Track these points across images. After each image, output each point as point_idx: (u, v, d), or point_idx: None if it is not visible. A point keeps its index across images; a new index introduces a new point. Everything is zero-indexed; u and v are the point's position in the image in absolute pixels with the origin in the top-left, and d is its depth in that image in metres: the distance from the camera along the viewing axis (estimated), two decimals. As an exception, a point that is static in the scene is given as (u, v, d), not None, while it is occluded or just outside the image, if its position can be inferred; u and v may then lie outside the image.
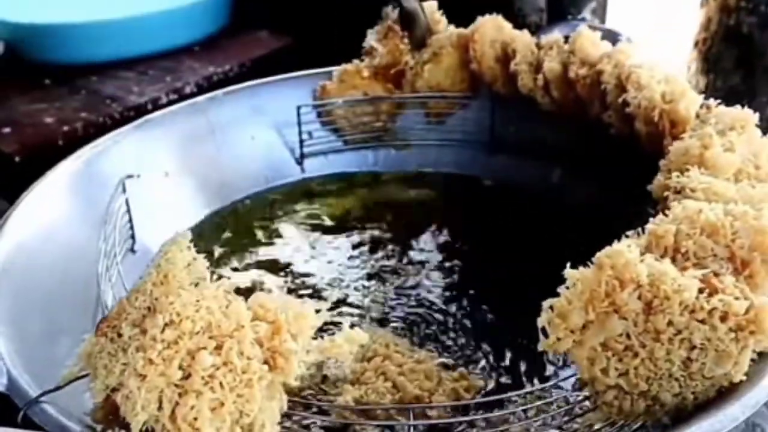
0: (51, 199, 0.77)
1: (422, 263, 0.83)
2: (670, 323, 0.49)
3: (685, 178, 0.61)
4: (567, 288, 0.52)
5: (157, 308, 0.49)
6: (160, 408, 0.47)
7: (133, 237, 0.83)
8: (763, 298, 0.50)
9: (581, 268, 0.52)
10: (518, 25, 0.96)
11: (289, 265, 0.84)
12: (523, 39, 0.89)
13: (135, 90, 1.13)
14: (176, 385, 0.47)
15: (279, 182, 0.98)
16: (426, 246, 0.86)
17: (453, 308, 0.76)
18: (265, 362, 0.50)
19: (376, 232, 0.89)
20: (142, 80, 1.16)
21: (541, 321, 0.52)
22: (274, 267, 0.84)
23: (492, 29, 0.91)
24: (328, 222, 0.92)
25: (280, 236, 0.90)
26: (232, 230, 0.90)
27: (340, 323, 0.72)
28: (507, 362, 0.69)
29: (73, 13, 1.23)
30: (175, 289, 0.50)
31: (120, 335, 0.49)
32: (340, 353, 0.53)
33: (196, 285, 0.51)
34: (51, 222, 0.76)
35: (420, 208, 0.94)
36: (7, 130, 1.02)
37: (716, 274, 0.52)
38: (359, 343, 0.54)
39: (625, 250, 0.51)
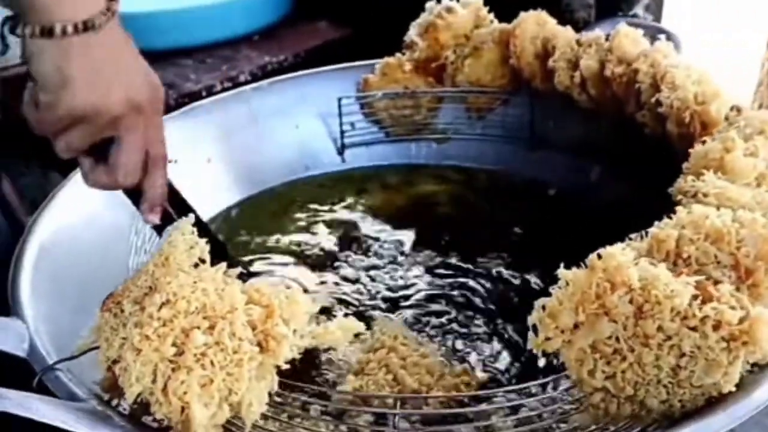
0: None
1: (461, 257, 0.84)
2: (660, 329, 0.49)
3: (700, 182, 0.60)
4: (559, 288, 0.52)
5: (156, 288, 0.52)
6: (154, 381, 0.50)
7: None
8: (760, 309, 0.49)
9: (574, 269, 0.51)
10: (565, 21, 0.95)
11: (318, 253, 0.86)
12: (564, 35, 0.88)
13: (192, 78, 1.17)
14: (170, 361, 0.50)
15: (319, 171, 1.00)
16: (460, 240, 0.86)
17: (479, 302, 0.77)
18: (258, 344, 0.52)
19: (410, 226, 0.90)
20: (200, 68, 1.20)
21: (532, 319, 0.52)
22: (304, 254, 0.86)
23: (534, 25, 0.90)
24: (364, 213, 0.93)
25: (316, 224, 0.91)
26: (268, 216, 0.93)
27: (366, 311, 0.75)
28: (512, 360, 0.69)
29: (140, 3, 1.28)
30: (174, 271, 0.52)
31: (122, 311, 0.52)
32: (333, 340, 0.55)
33: (196, 267, 0.53)
34: (94, 205, 0.79)
35: (457, 203, 0.94)
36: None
37: (716, 282, 0.51)
38: (353, 331, 0.55)
39: (618, 252, 0.51)
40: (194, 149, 0.92)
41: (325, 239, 0.89)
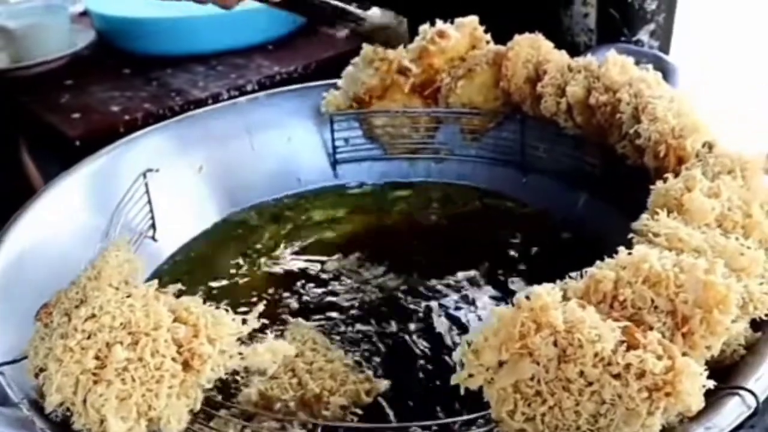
0: (78, 186, 0.83)
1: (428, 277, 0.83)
2: (581, 374, 0.47)
3: (653, 221, 0.58)
4: (486, 324, 0.51)
5: (85, 301, 0.52)
6: (75, 392, 0.50)
7: (153, 227, 0.88)
8: (686, 360, 0.47)
9: (502, 306, 0.50)
10: (566, 44, 0.93)
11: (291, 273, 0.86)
12: (557, 60, 0.86)
13: (200, 85, 1.19)
14: (93, 374, 0.50)
15: (311, 186, 1.00)
16: (436, 260, 0.85)
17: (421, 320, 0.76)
18: (184, 362, 0.52)
19: (392, 244, 0.89)
20: (210, 75, 1.22)
21: (457, 355, 0.51)
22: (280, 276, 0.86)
23: (528, 48, 0.89)
24: (345, 229, 0.93)
25: (297, 240, 0.91)
26: (252, 230, 0.93)
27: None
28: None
29: (159, 10, 1.30)
30: (104, 285, 0.53)
31: (52, 322, 0.53)
32: (261, 362, 0.55)
33: (127, 284, 0.54)
34: (74, 208, 0.81)
35: (441, 222, 0.93)
36: (76, 115, 1.11)
37: (650, 327, 0.50)
38: (282, 354, 0.55)
39: (545, 292, 0.49)
40: (186, 158, 0.93)
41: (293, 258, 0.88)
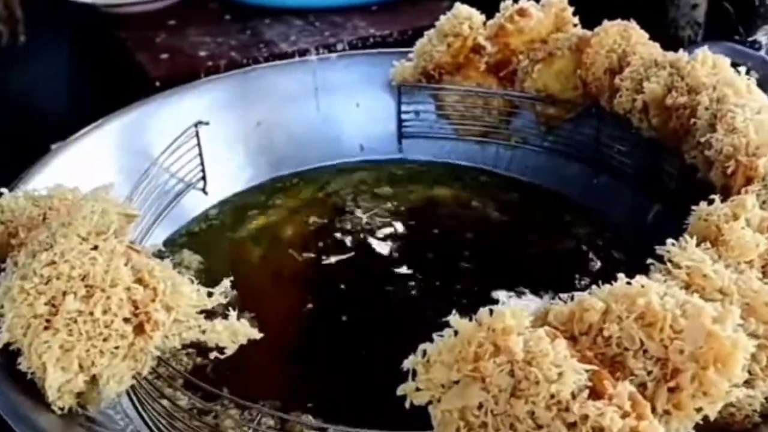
0: (130, 126, 0.83)
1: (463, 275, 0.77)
2: (532, 414, 0.41)
3: (678, 249, 0.50)
4: (445, 336, 0.45)
5: (52, 246, 0.51)
6: (25, 334, 0.50)
7: (204, 179, 0.87)
8: (654, 426, 0.39)
9: (465, 320, 0.45)
10: (666, 38, 0.83)
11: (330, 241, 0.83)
12: (645, 53, 0.77)
13: (291, 38, 1.17)
14: (47, 320, 0.50)
15: (372, 156, 0.96)
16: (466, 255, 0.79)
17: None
18: (139, 325, 0.50)
19: (441, 231, 0.84)
20: (304, 30, 1.20)
21: (408, 363, 0.46)
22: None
23: (616, 36, 0.79)
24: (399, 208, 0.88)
25: (345, 212, 0.88)
26: (305, 192, 0.90)
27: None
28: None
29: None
30: (72, 234, 0.51)
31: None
32: (217, 339, 0.52)
33: (98, 235, 0.52)
34: (122, 147, 0.81)
35: (498, 217, 0.86)
36: (164, 56, 1.12)
37: (631, 374, 0.43)
38: (243, 336, 0.52)
39: (509, 313, 0.43)
40: (246, 111, 0.91)
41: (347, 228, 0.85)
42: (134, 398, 0.57)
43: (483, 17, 0.89)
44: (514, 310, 0.44)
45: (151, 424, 0.57)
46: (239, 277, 0.74)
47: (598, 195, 0.85)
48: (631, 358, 0.43)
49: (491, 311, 0.44)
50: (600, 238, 0.80)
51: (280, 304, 0.75)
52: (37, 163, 0.72)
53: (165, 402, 0.55)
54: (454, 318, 0.45)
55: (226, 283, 0.53)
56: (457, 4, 0.89)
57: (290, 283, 0.77)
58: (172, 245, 0.82)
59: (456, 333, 0.45)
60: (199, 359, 0.64)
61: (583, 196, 0.87)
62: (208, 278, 0.75)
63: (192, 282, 0.52)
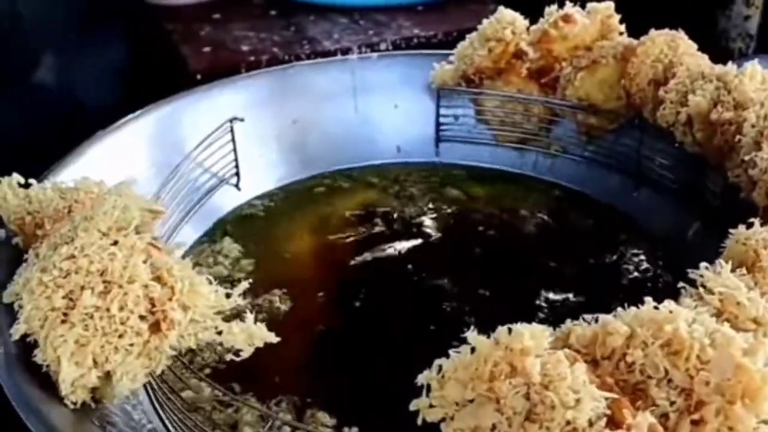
0: (165, 119, 0.83)
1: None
2: (545, 440, 0.40)
3: (712, 273, 0.48)
4: (462, 353, 0.44)
5: (73, 240, 0.51)
6: (42, 326, 0.50)
7: (237, 175, 0.86)
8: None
9: (483, 337, 0.43)
10: (717, 49, 0.80)
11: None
12: (692, 64, 0.74)
13: (334, 36, 1.16)
14: (64, 314, 0.49)
15: (409, 159, 0.94)
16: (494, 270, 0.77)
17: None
18: (155, 323, 0.50)
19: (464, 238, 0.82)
20: (348, 29, 1.19)
21: (422, 378, 0.44)
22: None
23: (663, 45, 0.77)
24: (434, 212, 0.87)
25: (380, 213, 0.87)
26: (336, 192, 0.90)
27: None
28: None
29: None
30: (93, 228, 0.51)
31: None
32: (233, 341, 0.51)
33: (119, 230, 0.52)
34: (155, 140, 0.81)
35: (533, 224, 0.84)
36: (207, 49, 1.12)
37: (653, 404, 0.41)
38: (259, 339, 0.51)
39: (528, 333, 0.42)
40: (282, 108, 0.91)
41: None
42: (151, 393, 0.57)
43: (526, 22, 0.87)
44: (534, 331, 0.42)
45: (165, 418, 0.57)
46: (277, 268, 0.77)
47: (638, 209, 0.83)
48: (654, 386, 0.41)
49: (510, 330, 0.42)
50: (636, 253, 0.78)
51: (314, 298, 0.74)
52: (70, 154, 0.72)
53: (184, 394, 0.55)
54: (471, 334, 0.44)
55: (245, 284, 0.52)
56: (501, 8, 0.87)
57: (326, 279, 0.77)
58: (212, 235, 0.82)
59: (473, 350, 0.43)
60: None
61: (622, 208, 0.84)
62: (244, 268, 0.78)
63: (210, 282, 0.52)
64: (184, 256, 0.77)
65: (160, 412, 0.57)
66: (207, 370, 0.64)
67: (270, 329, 0.51)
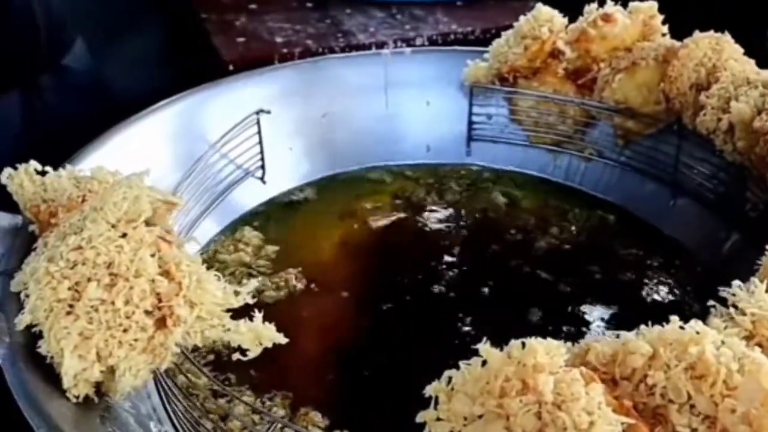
0: (191, 109, 0.82)
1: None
2: (555, 464, 0.37)
3: (744, 292, 0.45)
4: (472, 365, 0.42)
5: (81, 230, 0.50)
6: (47, 317, 0.49)
7: (263, 167, 0.85)
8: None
9: (496, 350, 0.41)
10: (765, 54, 0.77)
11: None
12: (737, 69, 0.71)
13: (370, 30, 1.14)
14: (69, 305, 0.48)
15: (439, 159, 0.92)
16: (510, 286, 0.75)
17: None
18: (161, 319, 0.49)
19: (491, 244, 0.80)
20: (384, 23, 1.17)
21: (430, 389, 0.42)
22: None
23: (707, 49, 0.74)
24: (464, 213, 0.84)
25: (409, 210, 0.85)
26: (363, 188, 0.88)
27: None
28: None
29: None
30: (101, 219, 0.50)
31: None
32: (241, 340, 0.50)
33: (128, 222, 0.51)
34: (181, 129, 0.80)
35: (565, 229, 0.82)
36: (240, 39, 1.11)
37: (673, 430, 0.38)
38: (266, 339, 0.50)
39: (543, 348, 0.39)
40: (311, 102, 0.89)
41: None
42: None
43: (565, 20, 0.84)
44: (549, 346, 0.40)
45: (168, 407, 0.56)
46: (298, 257, 0.77)
47: (673, 218, 0.80)
48: (675, 411, 0.39)
49: (523, 344, 0.40)
50: (669, 264, 0.75)
51: (334, 294, 0.73)
52: (93, 143, 0.72)
53: (179, 380, 0.54)
54: (484, 346, 0.41)
55: (254, 282, 0.51)
56: (539, 5, 0.84)
57: (345, 276, 0.75)
58: (233, 224, 0.82)
59: (484, 363, 0.41)
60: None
61: (657, 217, 0.81)
62: (266, 256, 0.77)
63: (219, 279, 0.50)
64: (204, 245, 0.78)
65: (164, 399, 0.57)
66: (211, 357, 0.64)
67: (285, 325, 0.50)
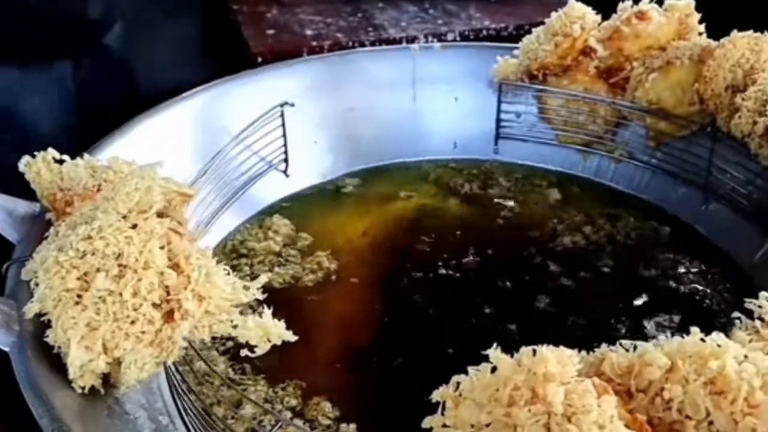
0: (216, 100, 0.81)
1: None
2: (563, 478, 0.36)
3: (771, 306, 0.43)
4: (481, 371, 0.40)
5: (92, 220, 0.50)
6: (56, 307, 0.48)
7: (286, 161, 0.84)
8: None
9: (506, 357, 0.40)
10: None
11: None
12: (777, 70, 0.68)
13: (401, 24, 1.13)
14: (78, 295, 0.48)
15: (465, 156, 0.91)
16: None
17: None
18: (169, 312, 0.48)
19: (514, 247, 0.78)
20: (417, 17, 1.16)
21: (437, 395, 0.41)
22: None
23: (745, 49, 0.71)
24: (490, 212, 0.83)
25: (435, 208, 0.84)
26: (389, 183, 0.87)
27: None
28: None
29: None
30: (112, 210, 0.49)
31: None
32: (248, 336, 0.49)
33: (139, 213, 0.50)
34: (204, 120, 0.80)
35: (592, 231, 0.79)
36: (270, 31, 1.11)
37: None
38: (274, 336, 0.49)
39: (554, 357, 0.38)
40: (339, 95, 0.89)
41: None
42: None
43: (598, 18, 0.82)
44: (561, 355, 0.38)
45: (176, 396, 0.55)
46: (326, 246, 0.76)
47: (704, 223, 0.77)
48: (692, 428, 0.37)
49: (534, 351, 0.39)
50: (697, 271, 0.72)
51: (359, 290, 0.72)
52: (114, 133, 0.71)
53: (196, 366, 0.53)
54: (494, 352, 0.40)
55: (264, 278, 0.50)
56: (571, 2, 0.82)
57: (372, 264, 0.75)
58: (262, 214, 0.81)
59: (494, 369, 0.40)
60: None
61: (686, 222, 0.79)
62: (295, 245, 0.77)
63: (228, 274, 0.50)
64: (229, 235, 0.77)
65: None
66: (230, 343, 0.63)
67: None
